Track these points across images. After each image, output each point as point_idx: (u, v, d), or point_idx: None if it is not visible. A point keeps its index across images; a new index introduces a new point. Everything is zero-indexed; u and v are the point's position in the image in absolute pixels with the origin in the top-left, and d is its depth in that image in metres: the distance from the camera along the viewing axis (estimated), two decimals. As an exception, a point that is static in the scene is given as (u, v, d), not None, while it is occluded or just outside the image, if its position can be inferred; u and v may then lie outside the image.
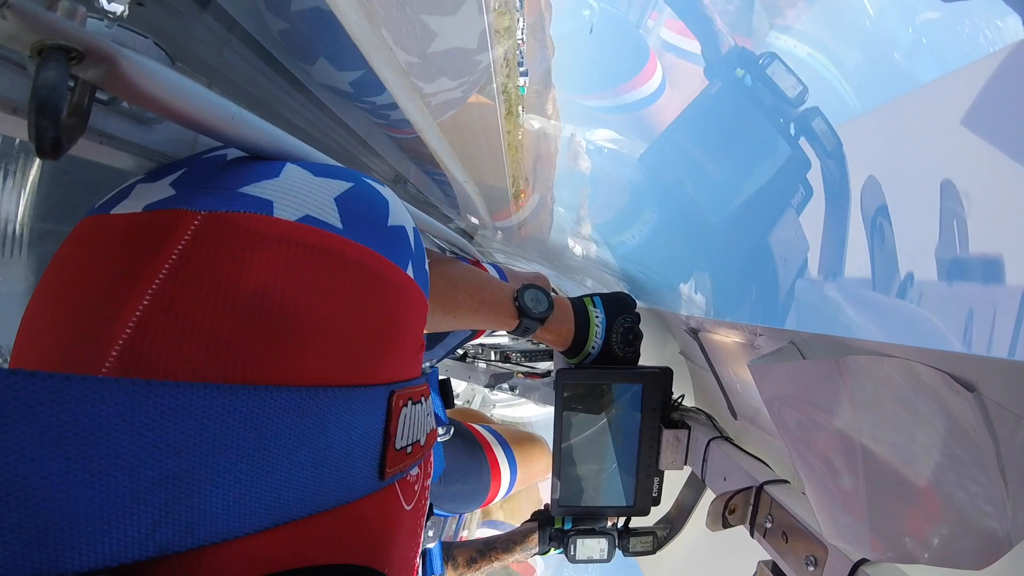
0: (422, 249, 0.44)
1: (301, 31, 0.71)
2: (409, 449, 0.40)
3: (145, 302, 0.29)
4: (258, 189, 0.34)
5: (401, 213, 0.42)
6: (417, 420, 0.43)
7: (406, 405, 0.40)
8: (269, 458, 0.29)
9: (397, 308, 0.38)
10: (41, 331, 0.33)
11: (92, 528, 0.23)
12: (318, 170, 0.39)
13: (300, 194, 0.35)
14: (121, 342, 0.28)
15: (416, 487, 0.43)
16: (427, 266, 0.45)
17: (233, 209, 0.33)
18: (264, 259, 0.31)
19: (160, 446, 0.25)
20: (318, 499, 0.31)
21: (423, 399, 0.45)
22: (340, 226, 0.35)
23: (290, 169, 0.37)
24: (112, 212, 0.35)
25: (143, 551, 0.24)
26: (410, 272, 0.40)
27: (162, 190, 0.35)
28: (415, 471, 0.44)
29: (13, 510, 0.22)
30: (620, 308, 0.89)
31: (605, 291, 0.93)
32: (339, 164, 0.44)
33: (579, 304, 0.89)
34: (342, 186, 0.38)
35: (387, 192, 0.42)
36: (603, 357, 0.89)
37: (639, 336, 0.89)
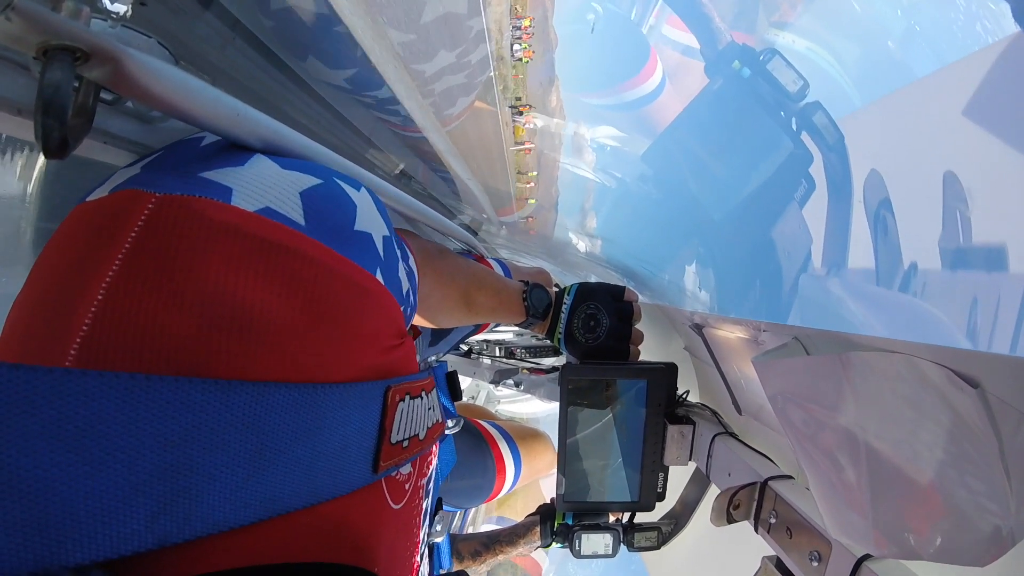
0: (394, 257, 0.43)
1: (287, 28, 0.70)
2: (406, 443, 0.40)
3: (100, 296, 0.29)
4: (220, 175, 0.33)
5: (371, 220, 0.40)
6: (416, 414, 0.43)
7: (403, 400, 0.40)
8: (266, 453, 0.29)
9: (362, 310, 0.37)
10: (14, 324, 0.33)
11: (93, 520, 0.23)
12: (287, 163, 0.38)
13: (262, 184, 0.34)
14: (79, 339, 0.28)
15: (407, 486, 0.43)
16: (401, 274, 0.44)
17: (189, 193, 0.32)
18: (217, 254, 0.30)
19: (158, 439, 0.25)
20: (313, 492, 0.31)
21: (424, 393, 0.45)
22: (303, 223, 0.34)
23: (258, 159, 0.36)
24: (88, 199, 0.35)
25: (142, 542, 0.25)
26: (379, 277, 0.39)
27: (131, 171, 0.35)
28: (407, 470, 0.43)
29: (15, 502, 0.22)
30: (587, 296, 0.92)
31: (593, 281, 0.96)
32: (316, 162, 0.43)
33: (559, 293, 0.95)
34: (310, 181, 0.37)
35: (360, 197, 0.41)
36: (569, 341, 0.93)
37: (601, 324, 0.91)
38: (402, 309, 0.44)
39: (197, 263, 0.30)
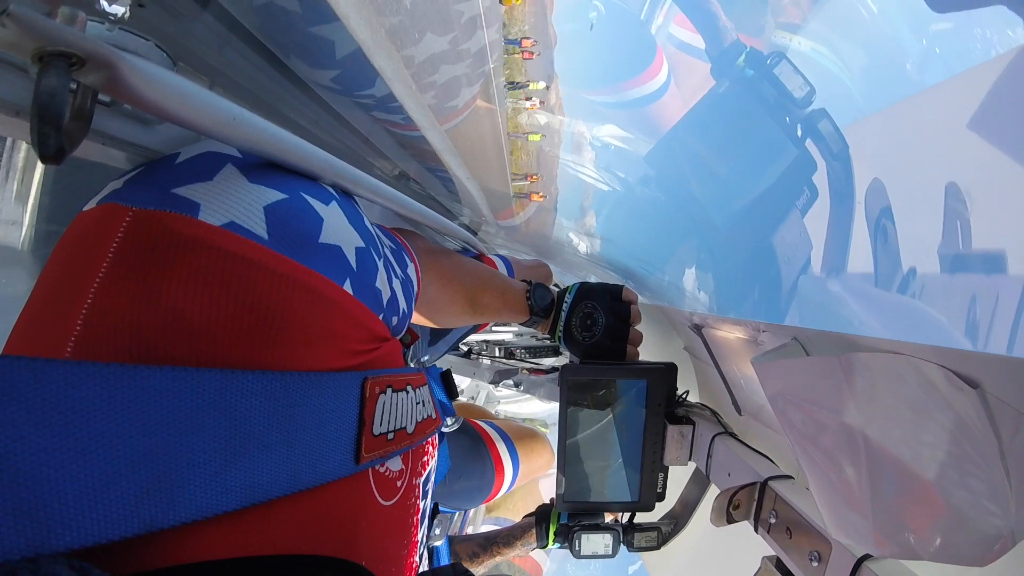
0: (372, 267, 0.43)
1: (268, 28, 0.70)
2: (391, 436, 0.41)
3: (89, 300, 0.31)
4: (189, 190, 0.35)
5: (341, 232, 0.41)
6: (401, 408, 0.43)
7: (384, 392, 0.41)
8: (241, 436, 0.30)
9: (324, 316, 0.37)
10: (20, 327, 0.35)
11: (79, 504, 0.24)
12: (256, 176, 0.38)
13: (229, 199, 0.35)
14: (73, 338, 0.30)
15: (399, 483, 0.44)
16: (382, 282, 0.45)
17: (161, 208, 0.33)
18: (183, 265, 0.32)
19: (137, 425, 0.26)
20: (292, 480, 0.32)
21: (409, 387, 0.46)
22: (265, 236, 0.35)
23: (227, 172, 0.38)
24: (84, 209, 0.36)
25: (129, 527, 0.25)
26: (348, 288, 0.40)
27: (116, 185, 0.36)
28: (396, 467, 0.44)
29: (5, 486, 0.22)
30: (586, 296, 0.94)
31: (594, 281, 0.97)
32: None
33: (561, 292, 0.97)
34: (274, 196, 0.38)
35: (329, 210, 0.41)
36: (568, 339, 0.94)
37: (597, 323, 0.92)
38: (381, 316, 0.44)
39: (166, 274, 0.32)
